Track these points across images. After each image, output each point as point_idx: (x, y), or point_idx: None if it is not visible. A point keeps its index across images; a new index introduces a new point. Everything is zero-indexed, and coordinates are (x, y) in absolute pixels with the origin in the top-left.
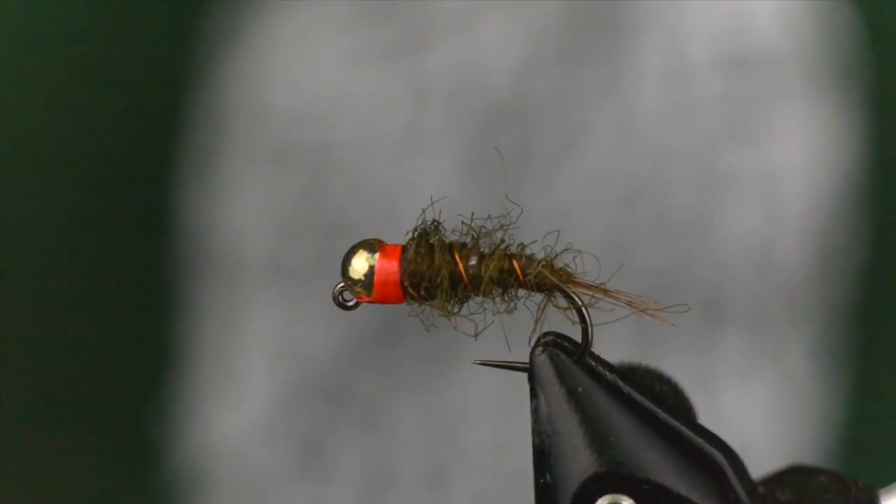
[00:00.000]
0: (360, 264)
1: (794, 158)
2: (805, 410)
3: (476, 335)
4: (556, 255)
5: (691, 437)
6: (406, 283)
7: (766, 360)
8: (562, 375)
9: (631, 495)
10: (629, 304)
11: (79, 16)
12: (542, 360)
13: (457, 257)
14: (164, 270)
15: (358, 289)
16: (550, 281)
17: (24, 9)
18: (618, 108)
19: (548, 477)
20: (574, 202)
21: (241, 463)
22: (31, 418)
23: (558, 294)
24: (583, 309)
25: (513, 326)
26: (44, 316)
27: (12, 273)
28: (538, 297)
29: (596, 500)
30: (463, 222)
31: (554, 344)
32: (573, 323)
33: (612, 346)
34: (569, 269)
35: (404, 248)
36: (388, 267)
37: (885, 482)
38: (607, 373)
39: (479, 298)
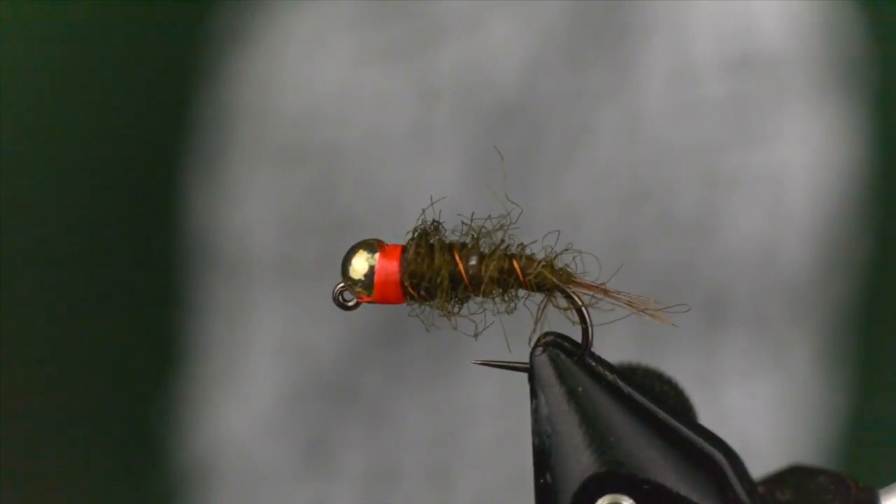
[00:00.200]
0: (360, 264)
1: (799, 159)
2: (807, 410)
3: (476, 335)
4: (557, 256)
5: (691, 437)
6: (406, 283)
7: (769, 360)
8: (562, 375)
9: (631, 495)
10: (629, 305)
11: (87, 13)
12: (543, 360)
13: (457, 257)
14: (171, 269)
15: (358, 289)
16: (550, 281)
17: (32, 6)
18: (624, 108)
19: (548, 477)
20: (579, 202)
21: (246, 460)
22: (36, 415)
23: (558, 294)
24: (583, 309)
25: (513, 326)
26: (50, 313)
27: (19, 270)
28: (538, 297)
29: (596, 500)
30: (463, 222)
31: (554, 344)
32: (573, 323)
33: (614, 346)
34: (569, 270)
35: (404, 249)
36: (388, 267)
37: (886, 482)
38: (607, 373)
39: (479, 298)
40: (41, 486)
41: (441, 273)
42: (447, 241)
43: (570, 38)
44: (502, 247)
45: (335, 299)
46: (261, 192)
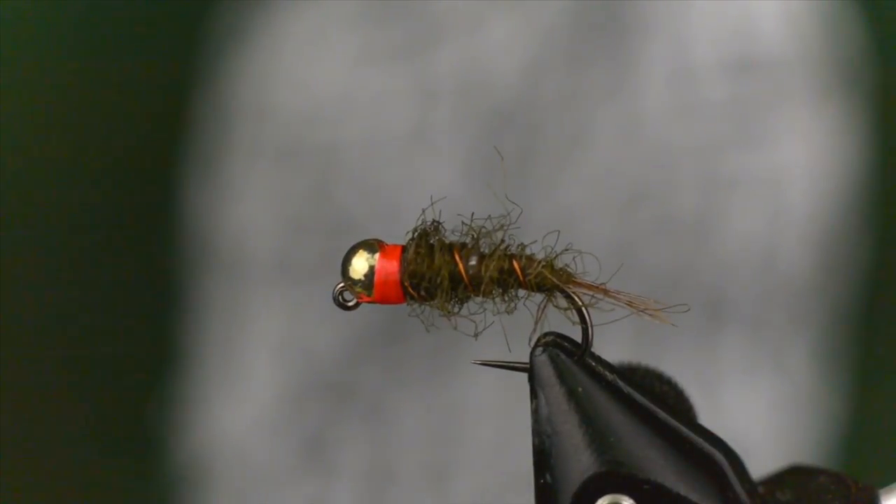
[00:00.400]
0: (360, 264)
1: (799, 161)
2: (806, 411)
3: (476, 335)
4: (557, 256)
5: (691, 437)
6: (406, 284)
7: (768, 361)
8: (562, 375)
9: (631, 495)
10: (629, 304)
11: (86, 14)
12: (543, 360)
13: (457, 257)
14: (169, 268)
15: (358, 289)
16: (550, 281)
17: (30, 7)
18: (623, 109)
19: (548, 477)
20: (579, 203)
21: (244, 459)
22: (33, 414)
23: (558, 294)
24: (583, 309)
25: (513, 326)
26: (48, 312)
27: (18, 270)
28: (538, 297)
29: (596, 500)
30: (463, 222)
31: (554, 344)
32: (573, 323)
33: (614, 346)
34: (569, 270)
35: (404, 249)
36: (388, 267)
37: (886, 482)
38: (607, 373)
39: (480, 298)
40: (38, 485)
41: (441, 273)
42: (447, 241)
43: (569, 38)
44: (502, 247)
45: (335, 299)
46: (259, 192)
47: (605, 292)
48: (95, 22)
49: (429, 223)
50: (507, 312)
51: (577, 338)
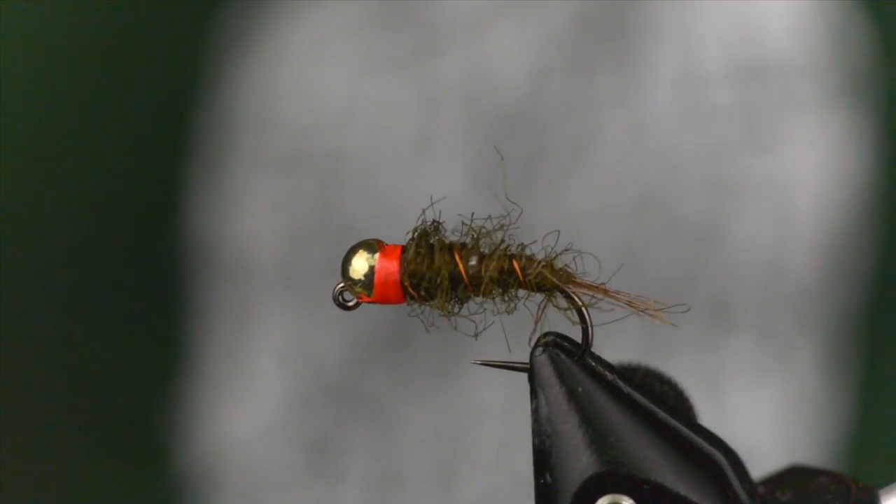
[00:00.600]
0: (360, 264)
1: (806, 168)
2: (812, 415)
3: (476, 335)
4: (557, 256)
5: (691, 437)
6: (406, 284)
7: (774, 365)
8: (562, 375)
9: (631, 495)
10: (629, 305)
11: (89, 22)
12: (543, 360)
13: (457, 257)
14: (175, 275)
15: (358, 289)
16: (550, 281)
17: (34, 15)
18: (630, 114)
19: (548, 477)
20: (585, 209)
21: (250, 463)
22: (41, 418)
23: (558, 294)
24: (583, 309)
25: (513, 326)
26: (55, 318)
27: (25, 276)
28: (538, 297)
29: (596, 500)
30: (463, 222)
31: (554, 344)
32: (573, 323)
33: (619, 349)
34: (569, 270)
35: (404, 249)
36: (388, 267)
37: (889, 484)
38: (607, 373)
39: (480, 299)
40: (45, 489)
41: (441, 273)
42: (447, 242)
43: (575, 44)
44: (502, 247)
45: (335, 299)
46: (264, 200)
47: (605, 292)
48: (98, 31)
49: (429, 223)
50: (507, 312)
51: (577, 338)
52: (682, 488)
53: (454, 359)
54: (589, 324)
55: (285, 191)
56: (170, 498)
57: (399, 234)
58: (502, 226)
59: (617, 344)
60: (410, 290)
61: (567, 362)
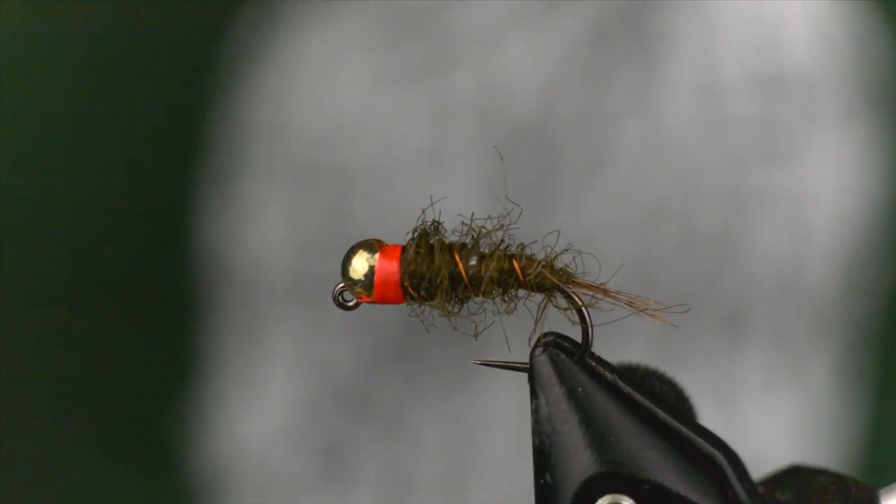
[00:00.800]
0: (360, 264)
1: (824, 181)
2: (826, 427)
3: (476, 335)
4: (557, 256)
5: (691, 437)
6: (406, 284)
7: (789, 376)
8: (562, 375)
9: (631, 495)
10: (629, 305)
11: (103, 33)
12: (543, 360)
13: (457, 257)
14: (186, 284)
15: (358, 289)
16: (550, 281)
17: (49, 28)
18: (647, 125)
19: (548, 477)
20: (601, 221)
21: (261, 469)
22: (54, 425)
23: (558, 294)
24: (583, 309)
25: (513, 327)
26: (69, 328)
27: (39, 286)
28: (538, 297)
29: (596, 500)
30: (463, 222)
31: (554, 344)
32: (573, 323)
33: (631, 358)
34: (569, 270)
35: (404, 249)
36: (388, 267)
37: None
38: (607, 373)
39: (480, 299)
40: (57, 494)
41: (441, 273)
42: (447, 242)
43: (591, 54)
44: (502, 247)
45: (335, 299)
46: (276, 211)
47: (605, 292)
48: (113, 41)
49: (428, 223)
50: (507, 312)
51: (577, 338)
52: (682, 488)
53: (466, 366)
54: (589, 324)
55: (297, 202)
56: (182, 503)
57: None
58: (502, 226)
59: (629, 353)
60: (410, 290)
61: (567, 362)
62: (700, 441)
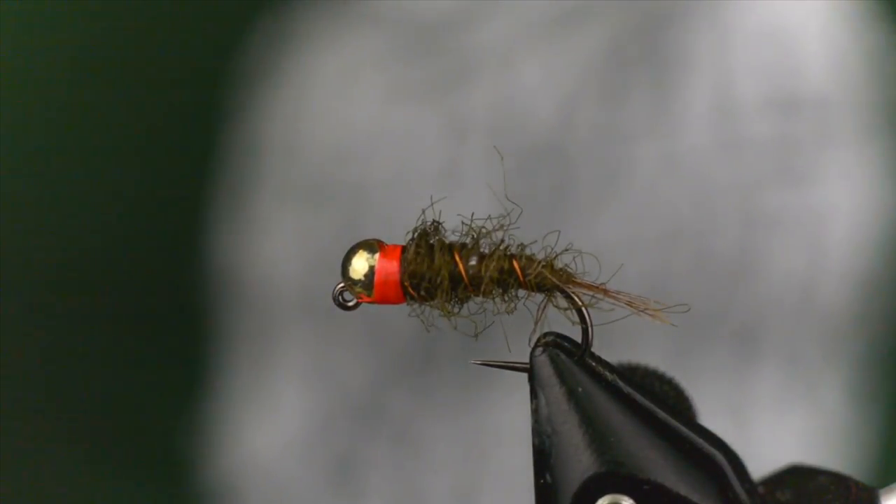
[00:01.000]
0: (360, 264)
1: (840, 201)
2: (839, 445)
3: (476, 335)
4: (557, 256)
5: (691, 437)
6: (406, 284)
7: (802, 395)
8: (562, 375)
9: (631, 495)
10: (629, 305)
11: (117, 50)
12: (543, 360)
13: (457, 257)
14: (199, 298)
15: (358, 289)
16: (550, 281)
17: (65, 45)
18: (662, 145)
19: (548, 477)
20: (616, 240)
21: (272, 482)
22: (65, 437)
23: (558, 294)
24: (583, 309)
25: (513, 327)
26: (81, 341)
27: (52, 299)
28: (538, 297)
29: (596, 500)
30: (463, 222)
31: (554, 344)
32: (573, 323)
33: None
34: (569, 270)
35: (404, 249)
36: (388, 267)
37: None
38: (607, 373)
39: (480, 299)
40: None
41: (441, 273)
42: (447, 242)
43: (607, 73)
44: (502, 247)
45: (335, 299)
46: (288, 228)
47: (605, 292)
48: (127, 58)
49: (429, 223)
50: (507, 312)
51: (577, 338)
52: (682, 488)
53: (477, 379)
54: (589, 324)
55: (311, 219)
56: None
57: None
58: (502, 226)
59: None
60: (410, 290)
61: (567, 362)
62: (700, 441)
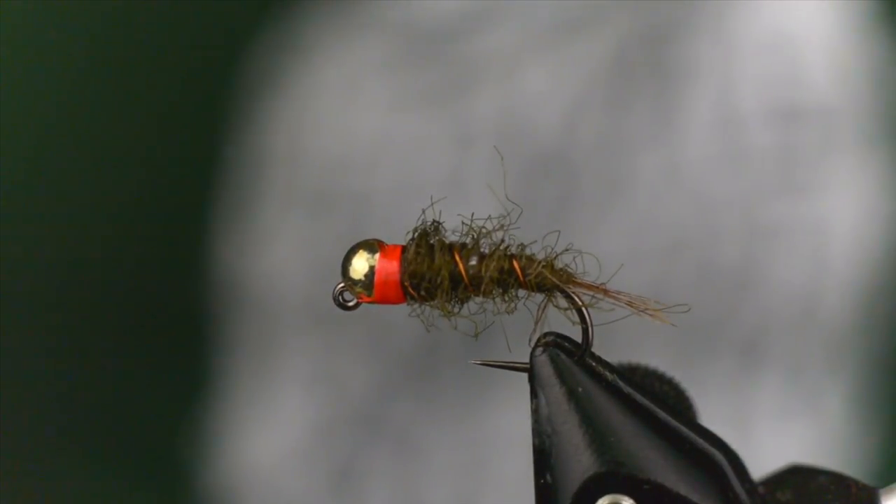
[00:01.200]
0: (360, 265)
1: (843, 212)
2: (840, 456)
3: (476, 335)
4: (557, 256)
5: (691, 437)
6: (406, 284)
7: (804, 406)
8: (562, 375)
9: (631, 495)
10: (629, 305)
11: (122, 59)
12: (543, 360)
13: (457, 257)
14: (202, 306)
15: (358, 289)
16: (551, 281)
17: (68, 56)
18: (665, 156)
19: (548, 477)
20: (618, 251)
21: (273, 489)
22: (65, 444)
23: (559, 294)
24: (583, 309)
25: (513, 327)
26: (83, 347)
27: (55, 307)
28: (538, 297)
29: (596, 500)
30: (463, 222)
31: (554, 344)
32: (573, 323)
33: None
34: (569, 270)
35: (404, 249)
36: (389, 267)
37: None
38: (607, 373)
39: (480, 299)
40: None
41: (441, 273)
42: (447, 242)
43: (610, 83)
44: (502, 247)
45: (335, 299)
46: (292, 236)
47: (605, 292)
48: (131, 66)
49: (429, 223)
50: (508, 312)
51: (578, 338)
52: (682, 488)
53: (478, 388)
54: (589, 324)
55: (314, 227)
56: None
57: None
58: (502, 226)
59: None
60: (410, 290)
61: (567, 362)
62: (700, 441)
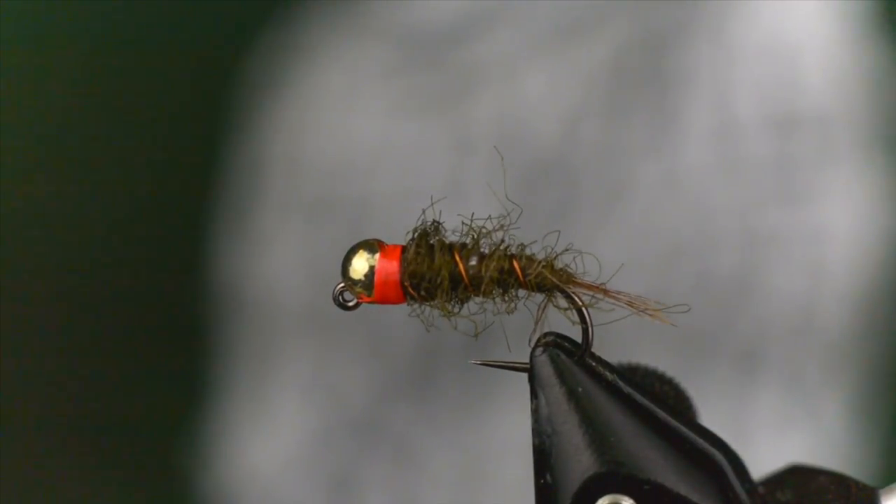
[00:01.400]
0: (360, 265)
1: (840, 220)
2: (838, 463)
3: (476, 335)
4: (557, 256)
5: (691, 437)
6: (406, 284)
7: (802, 415)
8: (562, 375)
9: (631, 495)
10: (629, 305)
11: (120, 63)
12: (543, 360)
13: (457, 257)
14: (201, 312)
15: (358, 289)
16: (551, 281)
17: (65, 60)
18: (664, 163)
19: (548, 477)
20: (617, 257)
21: (272, 496)
22: (64, 450)
23: (559, 294)
24: (583, 309)
25: (513, 327)
26: (82, 353)
27: (55, 314)
28: (538, 297)
29: (596, 500)
30: (463, 222)
31: (554, 344)
32: (573, 323)
33: None
34: (569, 270)
35: (404, 249)
36: (389, 267)
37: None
38: (607, 373)
39: (480, 299)
40: None
41: (441, 273)
42: (447, 242)
43: (609, 91)
44: (502, 247)
45: (335, 300)
46: (291, 242)
47: (605, 292)
48: (129, 72)
49: (429, 223)
50: (508, 312)
51: (578, 338)
52: (682, 488)
53: (477, 395)
54: (589, 324)
55: (313, 233)
56: None
57: None
58: (502, 226)
59: None
60: (410, 290)
61: (567, 362)
62: (700, 441)
